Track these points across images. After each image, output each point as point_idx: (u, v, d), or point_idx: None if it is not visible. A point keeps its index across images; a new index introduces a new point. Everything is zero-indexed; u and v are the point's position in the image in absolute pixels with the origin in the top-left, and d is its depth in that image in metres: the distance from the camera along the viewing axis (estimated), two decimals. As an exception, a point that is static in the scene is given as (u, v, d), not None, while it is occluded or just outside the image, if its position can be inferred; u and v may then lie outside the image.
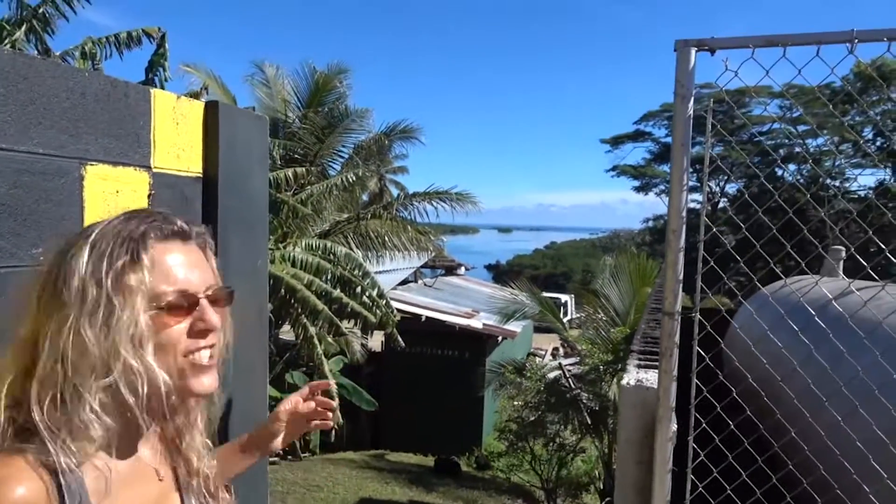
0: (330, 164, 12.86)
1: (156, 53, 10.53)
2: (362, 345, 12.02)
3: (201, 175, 1.82)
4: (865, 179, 32.16)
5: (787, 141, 27.39)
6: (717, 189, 31.77)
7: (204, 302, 0.93)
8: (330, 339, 10.91)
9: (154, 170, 1.66)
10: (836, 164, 26.90)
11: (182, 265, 0.93)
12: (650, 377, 2.12)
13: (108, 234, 0.90)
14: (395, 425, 15.56)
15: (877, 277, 2.55)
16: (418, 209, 13.01)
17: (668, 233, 1.83)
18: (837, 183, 25.86)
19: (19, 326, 0.90)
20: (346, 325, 10.64)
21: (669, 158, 1.83)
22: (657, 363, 1.94)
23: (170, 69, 10.70)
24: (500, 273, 53.56)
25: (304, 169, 11.37)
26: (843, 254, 5.41)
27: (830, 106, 2.63)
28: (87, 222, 1.47)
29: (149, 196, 1.65)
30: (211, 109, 1.82)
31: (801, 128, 26.37)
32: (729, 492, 1.96)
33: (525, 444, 11.68)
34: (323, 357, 10.26)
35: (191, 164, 1.78)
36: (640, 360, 2.52)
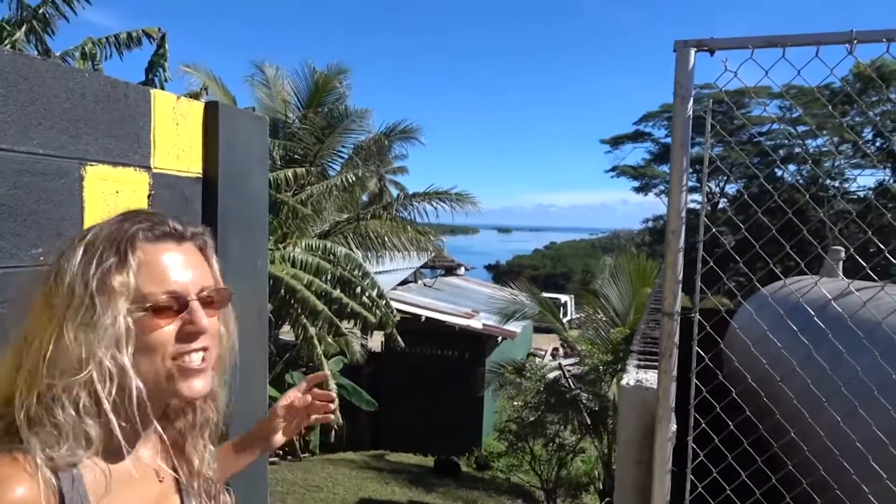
0: (330, 164, 12.87)
1: (156, 54, 10.54)
2: (362, 345, 12.02)
3: (201, 175, 1.81)
4: (865, 180, 32.17)
5: (786, 141, 27.40)
6: (717, 189, 31.78)
7: (195, 304, 0.92)
8: (330, 340, 10.91)
9: (154, 170, 1.67)
10: (836, 164, 26.91)
11: (173, 266, 0.92)
12: (650, 377, 2.13)
13: (101, 236, 0.90)
14: (395, 425, 15.56)
15: (876, 278, 2.55)
16: (418, 209, 13.02)
17: (667, 233, 1.83)
18: (837, 183, 25.87)
19: (21, 326, 0.92)
20: (345, 325, 10.64)
21: (669, 159, 1.84)
22: (657, 363, 1.94)
23: (170, 70, 10.71)
24: (500, 273, 53.58)
25: (303, 169, 11.37)
26: (843, 254, 5.41)
27: (830, 107, 2.63)
28: (86, 223, 1.48)
29: (149, 196, 1.65)
30: (211, 110, 1.82)
31: (801, 128, 26.39)
32: (728, 492, 1.96)
33: (525, 445, 11.69)
34: (323, 357, 10.26)
35: (191, 164, 1.78)
36: (639, 360, 2.52)
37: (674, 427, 1.88)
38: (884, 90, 21.63)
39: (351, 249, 11.66)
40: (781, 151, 27.80)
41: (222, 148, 1.82)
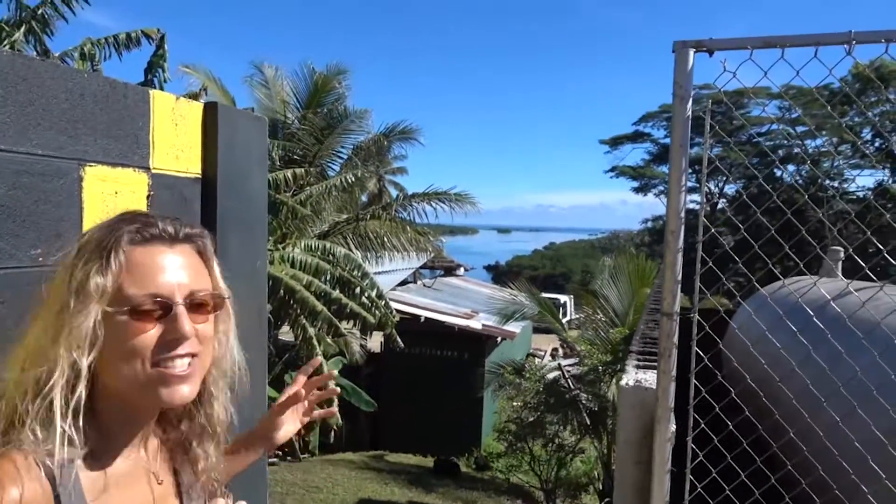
0: (329, 164, 12.87)
1: (155, 54, 10.54)
2: (361, 345, 12.02)
3: (200, 176, 1.81)
4: (864, 180, 32.21)
5: (785, 142, 27.42)
6: (716, 190, 31.80)
7: (179, 309, 0.89)
8: (329, 340, 10.92)
9: (153, 171, 1.66)
10: (835, 164, 26.93)
11: (159, 269, 0.90)
12: (649, 378, 2.13)
13: (93, 239, 0.91)
14: (395, 426, 15.56)
15: (875, 278, 2.56)
16: (417, 210, 13.02)
17: (666, 233, 1.83)
18: (836, 184, 25.89)
19: (22, 326, 0.93)
20: (345, 325, 10.64)
21: (668, 159, 1.84)
22: (656, 364, 1.94)
23: (169, 70, 10.71)
24: (500, 274, 53.56)
25: (303, 170, 11.37)
26: (842, 254, 5.42)
27: (829, 107, 2.63)
28: (85, 224, 1.47)
29: (148, 197, 1.65)
30: (210, 110, 1.82)
31: (800, 129, 26.41)
32: (728, 492, 1.96)
33: (524, 445, 11.69)
34: (322, 358, 10.25)
35: (190, 165, 1.78)
36: (638, 360, 2.52)
37: (673, 427, 1.88)
38: (883, 91, 21.65)
39: (350, 250, 11.66)
40: (780, 152, 27.82)
41: (221, 148, 1.82)
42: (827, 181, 24.65)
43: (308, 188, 11.35)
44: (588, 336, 11.22)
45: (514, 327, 15.12)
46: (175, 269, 0.91)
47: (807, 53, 1.65)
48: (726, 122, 25.53)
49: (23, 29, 9.26)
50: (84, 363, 0.85)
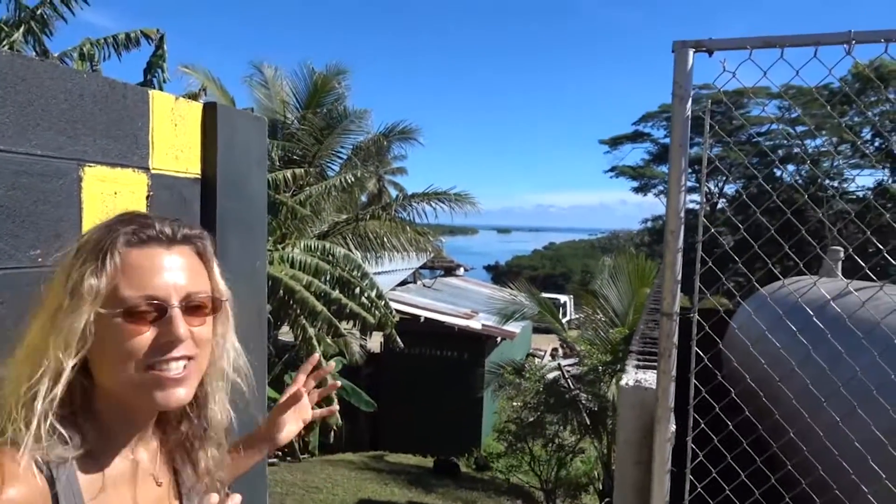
0: (329, 165, 12.87)
1: (154, 55, 10.54)
2: (361, 346, 12.02)
3: (200, 176, 1.81)
4: (864, 180, 32.21)
5: (785, 142, 27.43)
6: (716, 190, 31.81)
7: (174, 311, 0.88)
8: (329, 340, 10.92)
9: (152, 171, 1.66)
10: (835, 164, 26.94)
11: (154, 271, 0.89)
12: (649, 378, 2.13)
13: (91, 239, 0.90)
14: (394, 426, 15.56)
15: (875, 278, 2.56)
16: (417, 210, 13.02)
17: (666, 233, 1.83)
18: (836, 183, 25.90)
19: (22, 326, 0.93)
20: (344, 326, 10.64)
21: (668, 159, 1.84)
22: (656, 364, 1.94)
23: (168, 70, 10.70)
24: (499, 274, 53.57)
25: (302, 170, 11.37)
26: (842, 254, 5.42)
27: (828, 107, 2.64)
28: (85, 224, 1.47)
29: (147, 197, 1.65)
30: (209, 111, 1.82)
31: (800, 128, 26.42)
32: (728, 492, 1.96)
33: (524, 445, 11.69)
34: (322, 358, 10.24)
35: (189, 165, 1.78)
36: (638, 360, 2.52)
37: (673, 427, 1.88)
38: (882, 90, 21.66)
39: (350, 250, 11.66)
40: (780, 151, 27.83)
41: (221, 149, 1.82)
42: (827, 181, 24.66)
43: (308, 188, 11.34)
44: (588, 336, 11.22)
45: (513, 327, 15.12)
46: (171, 271, 0.91)
47: (806, 53, 1.65)
48: (726, 122, 25.55)
49: (22, 29, 9.26)
50: (69, 363, 0.85)
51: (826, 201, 20.84)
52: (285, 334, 11.97)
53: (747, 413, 2.03)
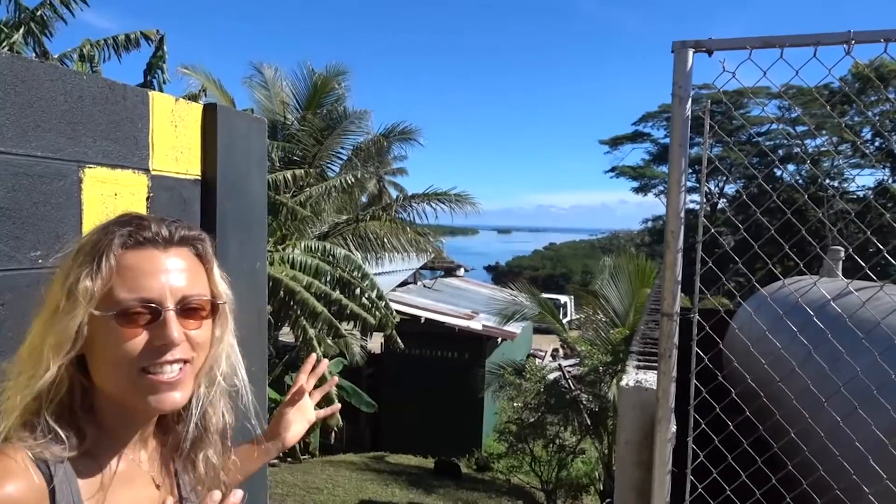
0: (329, 165, 12.87)
1: (154, 56, 10.55)
2: (362, 347, 12.02)
3: (200, 177, 1.81)
4: (864, 180, 32.19)
5: (785, 141, 27.44)
6: (716, 190, 31.80)
7: (168, 314, 0.88)
8: (329, 341, 10.91)
9: (152, 172, 1.66)
10: (835, 164, 26.93)
11: (149, 273, 0.88)
12: (649, 378, 2.13)
13: (89, 241, 0.90)
14: (395, 427, 15.56)
15: (875, 278, 2.56)
16: (417, 210, 13.03)
17: (666, 234, 1.83)
18: (836, 183, 25.89)
19: (24, 326, 0.93)
20: (345, 326, 10.64)
21: (668, 159, 1.84)
22: (656, 364, 1.94)
23: (168, 71, 10.72)
24: (500, 274, 53.56)
25: (302, 171, 11.37)
26: (842, 254, 5.41)
27: (828, 107, 2.63)
28: (85, 225, 1.48)
29: (147, 199, 1.65)
30: (209, 112, 1.82)
31: (800, 128, 26.42)
32: (728, 493, 1.96)
33: (525, 446, 11.68)
34: (324, 358, 10.23)
35: (189, 166, 1.78)
36: (639, 361, 2.52)
37: (673, 428, 1.88)
38: (882, 90, 21.65)
39: (350, 251, 11.66)
40: (780, 151, 27.83)
41: (221, 150, 1.82)
42: (827, 181, 24.66)
43: (308, 189, 11.34)
44: (588, 336, 11.22)
45: (514, 328, 15.12)
46: (167, 273, 0.90)
47: (806, 53, 1.65)
48: (726, 122, 25.56)
49: (22, 30, 9.26)
50: (62, 364, 0.86)
51: (826, 201, 20.82)
52: (286, 335, 11.97)
53: (748, 413, 2.03)
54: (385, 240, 12.34)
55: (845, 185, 26.42)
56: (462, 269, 29.56)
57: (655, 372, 1.98)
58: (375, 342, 15.38)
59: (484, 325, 15.75)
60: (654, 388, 1.94)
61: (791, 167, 27.80)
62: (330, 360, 11.53)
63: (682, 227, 1.82)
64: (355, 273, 10.91)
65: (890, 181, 24.94)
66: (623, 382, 2.14)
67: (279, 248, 10.46)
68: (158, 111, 1.68)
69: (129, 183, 1.60)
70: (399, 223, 12.71)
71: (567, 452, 11.43)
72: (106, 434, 0.92)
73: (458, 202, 13.01)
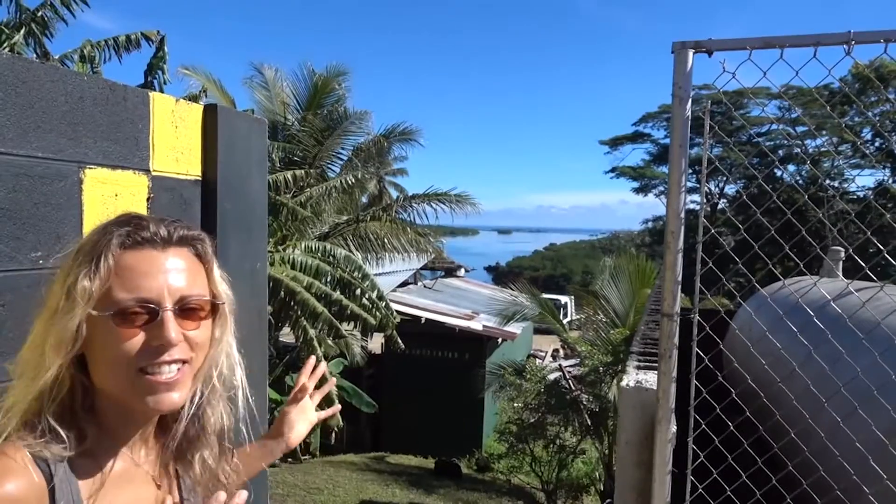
0: (329, 166, 12.87)
1: (155, 56, 10.55)
2: (362, 347, 12.02)
3: (200, 178, 1.81)
4: (864, 180, 32.19)
5: (785, 142, 27.44)
6: (716, 190, 31.80)
7: (166, 314, 0.87)
8: (330, 342, 10.91)
9: (153, 173, 1.66)
10: (835, 164, 26.93)
11: (146, 274, 0.88)
12: (650, 379, 2.13)
13: (88, 241, 0.91)
14: (396, 427, 15.56)
15: (875, 278, 2.56)
16: (417, 211, 13.03)
17: (666, 234, 1.83)
18: (836, 184, 25.88)
19: (25, 327, 0.94)
20: (345, 327, 10.64)
21: (668, 160, 1.84)
22: (657, 365, 1.94)
23: (169, 72, 10.72)
24: (500, 274, 53.60)
25: (303, 171, 11.38)
26: (842, 254, 5.41)
27: (828, 107, 2.63)
28: (86, 226, 1.48)
29: (148, 199, 1.65)
30: (210, 112, 1.82)
31: (800, 129, 26.42)
32: (729, 493, 1.96)
33: (525, 446, 11.68)
34: (323, 359, 10.25)
35: (190, 167, 1.78)
36: (639, 361, 2.52)
37: (674, 428, 1.88)
38: (882, 90, 21.65)
39: (351, 251, 11.66)
40: (780, 152, 27.82)
41: (221, 150, 1.82)
42: (827, 181, 24.65)
43: (308, 190, 11.34)
44: (589, 337, 11.22)
45: (514, 328, 15.12)
46: (165, 274, 0.90)
47: (806, 53, 1.65)
48: (726, 123, 25.56)
49: (22, 31, 9.27)
50: (62, 364, 0.86)
51: (826, 201, 20.82)
52: (286, 336, 11.98)
53: (748, 414, 2.03)
54: (385, 240, 12.35)
55: (845, 185, 26.43)
56: (462, 270, 29.57)
57: (656, 372, 1.99)
58: (376, 342, 15.38)
59: (484, 326, 15.76)
60: (655, 388, 1.94)
61: (791, 167, 27.81)
62: (330, 361, 11.56)
63: (683, 228, 1.82)
64: (356, 273, 10.91)
65: (890, 181, 24.93)
66: (623, 383, 2.14)
67: (280, 248, 10.47)
68: (159, 112, 1.68)
69: (130, 184, 1.60)
70: (399, 223, 12.71)
71: (567, 453, 11.43)
72: (106, 434, 0.93)
73: (458, 202, 13.02)
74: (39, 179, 1.39)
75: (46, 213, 1.41)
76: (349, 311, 10.33)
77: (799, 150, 25.30)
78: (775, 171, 24.73)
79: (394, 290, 17.74)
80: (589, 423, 10.38)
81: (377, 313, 10.99)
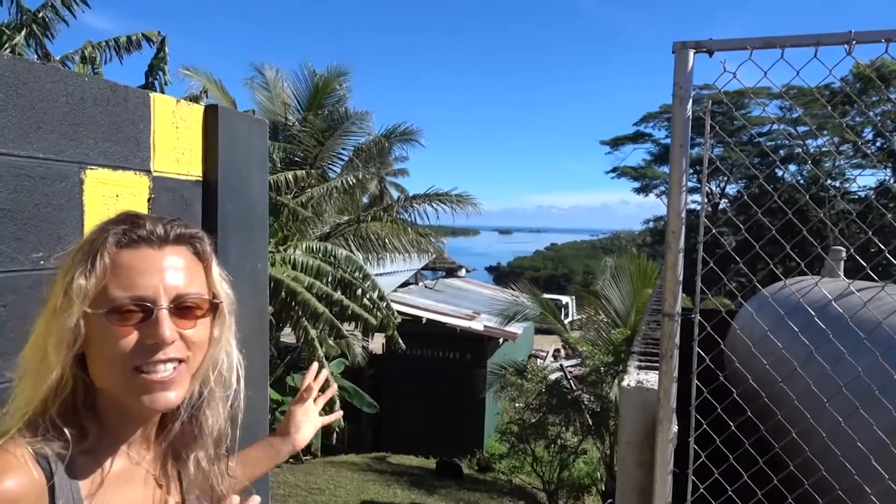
0: (330, 166, 12.88)
1: (156, 57, 10.57)
2: (363, 347, 12.02)
3: (201, 179, 1.82)
4: (865, 180, 32.16)
5: (786, 142, 27.40)
6: (717, 190, 31.77)
7: (161, 313, 0.87)
8: (331, 342, 10.91)
9: (154, 174, 1.67)
10: (836, 164, 26.90)
11: (143, 272, 0.88)
12: (651, 379, 2.13)
13: (87, 239, 0.91)
14: (397, 428, 15.56)
15: (877, 278, 2.56)
16: (418, 211, 13.04)
17: (667, 234, 1.83)
18: (837, 183, 25.86)
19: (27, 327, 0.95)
20: (346, 327, 10.64)
21: (669, 160, 1.84)
22: (658, 365, 1.94)
23: (170, 73, 10.73)
24: (501, 275, 53.60)
25: (304, 172, 11.38)
26: (844, 254, 5.41)
27: (829, 107, 2.63)
28: (86, 227, 1.48)
29: (149, 200, 1.65)
30: (210, 113, 1.82)
31: (801, 128, 26.40)
32: (730, 493, 1.95)
33: (526, 446, 11.68)
34: (324, 359, 10.26)
35: (190, 167, 1.78)
36: (640, 361, 2.52)
37: (675, 428, 1.88)
38: (883, 90, 21.63)
39: (351, 251, 11.67)
40: (782, 152, 27.80)
41: (222, 151, 1.82)
42: (828, 181, 24.63)
43: (309, 190, 11.35)
44: (590, 337, 11.21)
45: (515, 328, 15.11)
46: (162, 272, 0.89)
47: (807, 53, 1.65)
48: (727, 123, 25.53)
49: (24, 32, 9.28)
50: (62, 362, 0.86)
51: (828, 201, 20.80)
52: (287, 336, 11.98)
53: (749, 414, 2.03)
54: (386, 240, 12.35)
55: (847, 185, 26.40)
56: (463, 270, 29.56)
57: (657, 372, 1.98)
58: (377, 343, 15.38)
59: (485, 326, 15.75)
60: (656, 388, 1.94)
61: (792, 167, 27.79)
62: (331, 361, 11.56)
63: (684, 228, 1.82)
64: (357, 274, 10.91)
65: (891, 181, 24.91)
66: (625, 383, 2.14)
67: (281, 248, 10.47)
68: (160, 113, 1.68)
69: (131, 184, 1.60)
70: (400, 224, 12.72)
71: (569, 453, 11.43)
72: (107, 432, 0.93)
73: (459, 203, 13.02)
74: (40, 180, 1.39)
75: (47, 213, 1.41)
76: (350, 312, 10.33)
77: (800, 149, 25.28)
78: (776, 171, 24.72)
79: (395, 291, 17.74)
80: (590, 423, 10.38)
81: (378, 313, 10.99)
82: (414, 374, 15.43)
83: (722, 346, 2.09)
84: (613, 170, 36.13)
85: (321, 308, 9.71)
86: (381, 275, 13.34)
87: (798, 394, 2.31)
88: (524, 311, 11.66)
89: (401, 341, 12.08)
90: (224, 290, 0.99)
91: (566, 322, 14.15)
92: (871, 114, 23.13)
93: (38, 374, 0.87)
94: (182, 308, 0.90)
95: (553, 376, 11.57)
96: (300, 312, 9.77)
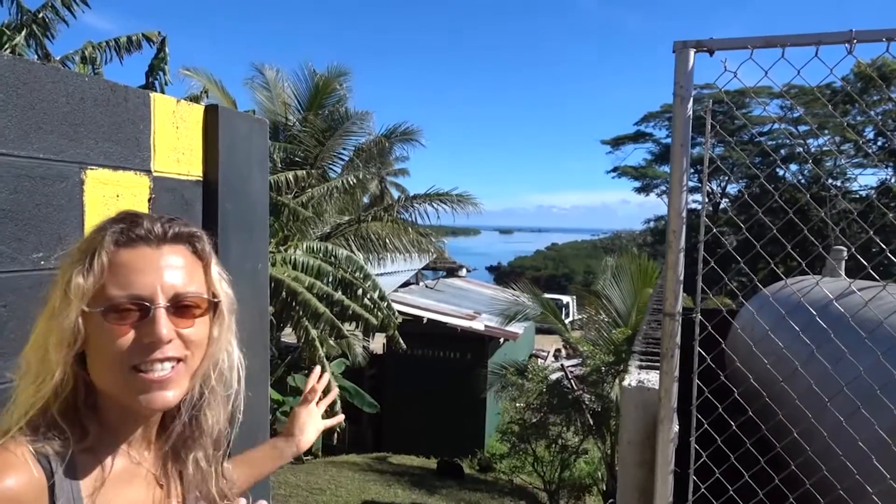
0: (330, 166, 12.88)
1: (156, 57, 10.57)
2: (364, 347, 12.02)
3: (201, 179, 1.82)
4: (866, 179, 32.13)
5: (787, 141, 27.39)
6: (718, 190, 31.76)
7: (158, 311, 0.87)
8: (331, 342, 10.91)
9: (154, 174, 1.67)
10: (838, 163, 26.89)
11: (140, 270, 0.88)
12: (652, 378, 2.12)
13: (86, 238, 0.91)
14: (398, 428, 15.56)
15: (878, 277, 2.55)
16: (419, 211, 13.03)
17: (668, 234, 1.83)
18: (838, 183, 25.85)
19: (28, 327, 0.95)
20: (347, 327, 10.64)
21: (670, 159, 1.84)
22: (659, 364, 1.94)
23: (170, 73, 10.74)
24: (502, 274, 53.58)
25: (304, 172, 11.38)
26: (845, 254, 5.41)
27: (830, 106, 2.63)
28: (87, 227, 1.48)
29: (149, 200, 1.65)
30: (211, 113, 1.82)
31: (802, 128, 26.38)
32: (731, 493, 1.95)
33: (527, 446, 11.68)
34: (325, 360, 10.26)
35: (191, 167, 1.78)
36: (641, 361, 2.52)
37: (676, 428, 1.88)
38: (885, 89, 21.62)
39: (352, 251, 11.66)
40: (782, 151, 27.78)
41: (222, 151, 1.82)
42: (829, 180, 24.62)
43: (309, 190, 11.35)
44: (591, 337, 11.21)
45: (516, 328, 15.11)
46: (159, 271, 0.89)
47: (807, 53, 1.65)
48: (728, 122, 25.52)
49: (24, 33, 9.29)
50: (61, 361, 0.86)
51: (829, 201, 20.79)
52: (288, 336, 11.98)
53: (750, 413, 2.03)
54: (387, 240, 12.35)
55: (848, 184, 26.39)
56: (464, 270, 29.55)
57: (658, 372, 1.98)
58: (378, 343, 15.38)
59: (486, 326, 15.75)
60: (657, 387, 1.94)
61: (793, 167, 27.78)
62: (332, 361, 11.56)
63: (684, 227, 1.82)
64: (357, 274, 10.91)
65: (892, 180, 24.89)
66: (625, 382, 2.13)
67: (281, 249, 10.47)
68: (160, 113, 1.68)
69: (131, 184, 1.60)
70: (401, 224, 12.71)
71: (570, 453, 11.43)
72: (108, 432, 0.93)
73: (459, 202, 13.02)
74: (41, 180, 1.39)
75: (48, 214, 1.41)
76: (351, 312, 10.33)
77: (801, 149, 25.27)
78: (777, 170, 24.71)
79: (395, 291, 17.74)
80: (591, 422, 10.38)
81: (379, 313, 10.99)
82: (415, 374, 15.43)
83: (723, 345, 2.09)
84: (614, 169, 36.14)
85: (322, 308, 9.71)
86: (381, 275, 13.33)
87: (799, 393, 2.31)
88: (525, 310, 11.65)
89: (401, 341, 12.09)
90: (223, 289, 0.99)
91: (567, 322, 14.14)
92: (872, 113, 23.13)
93: (39, 373, 0.86)
94: (180, 307, 0.90)
95: (554, 376, 11.57)
96: (301, 312, 9.77)
